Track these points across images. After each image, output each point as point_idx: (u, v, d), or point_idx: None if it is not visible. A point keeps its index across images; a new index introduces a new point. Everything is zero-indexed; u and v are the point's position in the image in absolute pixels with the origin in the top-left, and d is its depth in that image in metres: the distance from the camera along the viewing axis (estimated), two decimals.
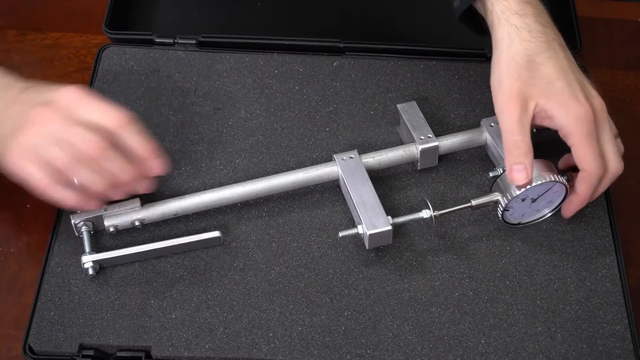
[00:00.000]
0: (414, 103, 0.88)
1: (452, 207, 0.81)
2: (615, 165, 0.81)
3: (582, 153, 0.79)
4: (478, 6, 0.84)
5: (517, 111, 0.78)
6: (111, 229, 0.81)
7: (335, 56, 0.97)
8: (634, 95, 1.01)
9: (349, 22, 1.04)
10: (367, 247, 0.81)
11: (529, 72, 0.78)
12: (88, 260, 0.79)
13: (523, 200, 0.81)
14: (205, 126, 0.91)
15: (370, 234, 0.79)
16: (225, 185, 0.85)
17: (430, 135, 0.85)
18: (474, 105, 0.94)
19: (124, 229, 0.83)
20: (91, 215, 0.81)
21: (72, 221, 0.81)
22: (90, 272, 0.79)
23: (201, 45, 0.97)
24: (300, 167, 0.87)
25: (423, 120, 0.87)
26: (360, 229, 0.80)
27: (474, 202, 0.81)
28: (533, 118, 0.79)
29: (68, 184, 0.75)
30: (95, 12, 1.02)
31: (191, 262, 0.82)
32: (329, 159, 0.88)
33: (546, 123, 0.80)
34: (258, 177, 0.86)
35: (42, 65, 1.00)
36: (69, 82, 0.96)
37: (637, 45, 1.06)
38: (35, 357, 0.77)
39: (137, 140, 0.76)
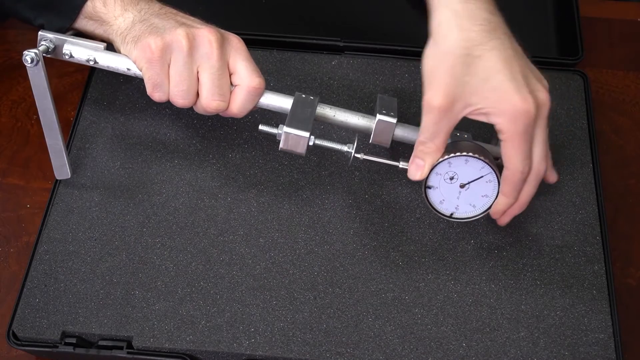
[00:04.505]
0: (395, 99, 0.85)
1: (379, 158, 0.81)
2: (537, 166, 0.77)
3: (510, 151, 0.75)
4: None
5: (439, 112, 0.73)
6: (66, 55, 0.84)
7: (334, 55, 0.97)
8: (634, 95, 1.00)
9: (349, 21, 1.04)
10: (279, 148, 0.81)
11: (464, 68, 0.72)
12: (32, 50, 0.80)
13: (451, 179, 0.78)
14: (201, 121, 0.91)
15: (286, 132, 0.79)
16: (218, 181, 0.85)
17: (393, 114, 0.82)
18: None
19: (77, 62, 0.85)
20: (56, 36, 0.84)
21: (40, 33, 0.84)
22: (29, 60, 0.80)
23: None
24: (292, 163, 0.87)
25: (395, 107, 0.83)
26: (280, 128, 0.80)
27: (401, 164, 0.80)
28: (467, 114, 0.75)
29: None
30: None
31: (177, 255, 0.82)
32: (322, 157, 0.88)
33: (481, 118, 0.75)
34: (250, 172, 0.87)
35: None
36: (69, 82, 0.99)
37: (637, 45, 1.05)
38: (19, 342, 0.77)
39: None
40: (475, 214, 0.81)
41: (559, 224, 0.85)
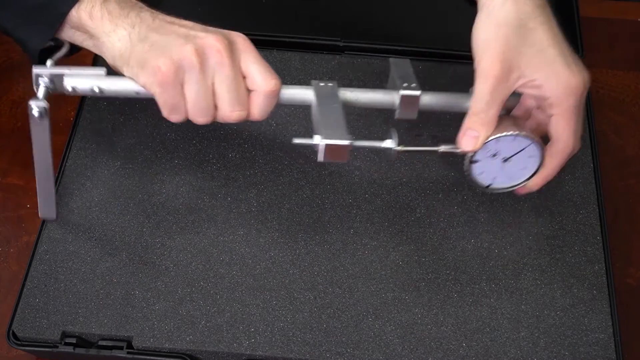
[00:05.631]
0: (408, 60, 0.84)
1: (418, 146, 0.80)
2: (579, 145, 0.79)
3: (563, 125, 0.76)
4: None
5: (495, 80, 0.74)
6: (69, 89, 0.78)
7: (334, 55, 0.97)
8: (634, 95, 1.00)
9: (349, 21, 1.04)
10: (321, 160, 0.76)
11: (519, 39, 0.74)
12: (38, 102, 0.75)
13: (494, 155, 0.78)
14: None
15: (326, 144, 0.75)
16: (218, 181, 0.85)
17: (415, 85, 0.80)
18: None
19: (82, 94, 0.80)
20: (53, 72, 0.77)
21: (34, 71, 0.77)
22: (36, 113, 0.75)
23: None
24: (292, 163, 0.88)
25: (412, 73, 0.82)
26: (316, 139, 0.76)
27: (442, 148, 0.79)
28: (518, 87, 0.76)
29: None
30: None
31: (177, 255, 0.82)
32: None
33: (532, 92, 0.76)
34: (250, 172, 0.87)
35: None
36: None
37: (637, 45, 1.05)
38: (19, 342, 0.77)
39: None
40: (511, 185, 0.81)
41: (559, 224, 0.85)
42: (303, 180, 0.87)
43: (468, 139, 0.76)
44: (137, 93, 0.77)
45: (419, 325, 0.79)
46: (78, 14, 0.76)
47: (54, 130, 0.89)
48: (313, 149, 0.76)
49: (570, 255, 0.83)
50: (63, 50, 0.80)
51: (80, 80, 0.77)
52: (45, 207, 0.83)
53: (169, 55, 0.73)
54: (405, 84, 0.80)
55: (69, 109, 0.96)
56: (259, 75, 0.75)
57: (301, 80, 0.95)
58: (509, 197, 0.86)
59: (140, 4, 0.78)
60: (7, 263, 0.86)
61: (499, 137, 0.76)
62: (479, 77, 0.75)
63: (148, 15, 0.77)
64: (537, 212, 0.86)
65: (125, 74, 0.76)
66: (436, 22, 1.04)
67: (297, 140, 0.76)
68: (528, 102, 0.80)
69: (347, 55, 0.97)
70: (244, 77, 0.76)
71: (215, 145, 0.89)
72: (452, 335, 0.78)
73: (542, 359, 0.77)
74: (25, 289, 0.80)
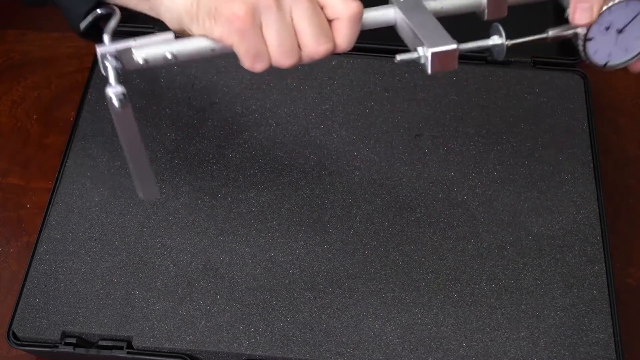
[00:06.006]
0: None
1: (526, 37, 0.73)
2: None
3: None
4: None
5: None
6: (140, 62, 0.71)
7: (334, 54, 0.97)
8: (634, 95, 1.00)
9: None
10: (429, 72, 0.70)
11: None
12: (116, 90, 0.69)
13: (607, 29, 0.73)
14: (200, 120, 0.91)
15: (433, 53, 0.68)
16: (217, 181, 0.85)
17: None
18: (472, 108, 0.93)
19: (155, 66, 0.72)
20: (120, 47, 0.70)
21: (98, 53, 0.70)
22: (116, 103, 0.69)
23: None
24: (292, 163, 0.88)
25: None
26: (420, 52, 0.68)
27: (550, 32, 0.73)
28: None
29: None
30: None
31: (177, 255, 0.82)
32: (322, 157, 0.89)
33: None
34: (250, 172, 0.87)
35: (42, 65, 1.01)
36: (69, 82, 0.99)
37: None
38: (19, 342, 0.77)
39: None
40: (628, 58, 0.76)
41: (559, 224, 0.85)
42: (303, 180, 0.87)
43: (582, 12, 0.71)
44: (213, 50, 0.70)
45: (419, 325, 0.79)
46: None
47: (54, 130, 0.90)
48: (418, 62, 0.69)
49: (570, 255, 0.83)
50: (115, 19, 0.73)
51: (151, 49, 0.70)
52: (147, 188, 0.76)
53: (242, 2, 0.67)
54: None
55: (69, 109, 0.96)
56: (338, 1, 0.69)
57: (301, 80, 0.95)
58: (509, 197, 0.87)
59: None
60: (7, 263, 0.86)
61: (612, 5, 0.71)
62: None
63: None
64: (537, 212, 0.86)
65: (195, 32, 0.70)
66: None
67: (400, 57, 0.70)
68: None
69: (346, 55, 0.97)
70: (322, 7, 0.69)
71: (215, 145, 0.89)
72: (452, 335, 0.78)
73: (542, 359, 0.77)
74: (25, 289, 0.80)
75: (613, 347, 0.78)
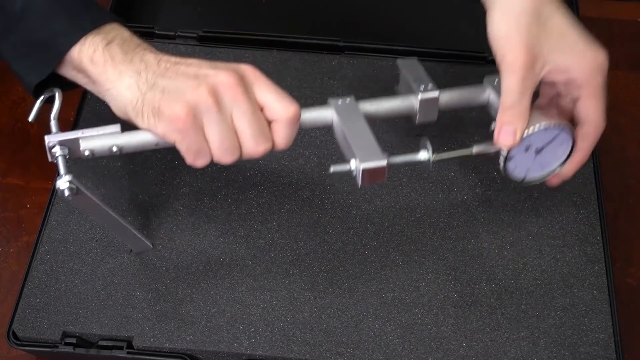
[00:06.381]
0: (415, 59, 0.83)
1: (451, 152, 0.78)
2: (605, 124, 0.78)
3: (594, 105, 0.76)
4: None
5: (523, 71, 0.73)
6: (87, 153, 0.74)
7: (334, 55, 0.97)
8: (634, 95, 1.00)
9: (349, 21, 1.04)
10: (359, 185, 0.74)
11: (539, 27, 0.73)
12: (64, 181, 0.72)
13: (527, 149, 0.78)
14: None
15: (363, 168, 0.73)
16: (218, 182, 0.85)
17: (431, 85, 0.79)
18: (472, 108, 0.93)
19: (100, 156, 0.75)
20: (67, 137, 0.73)
21: (46, 142, 0.73)
22: (67, 193, 0.73)
23: (201, 39, 0.98)
24: (292, 164, 0.88)
25: (424, 74, 0.80)
26: (352, 164, 0.73)
27: (475, 149, 0.77)
28: (545, 74, 0.75)
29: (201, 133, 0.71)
30: (99, 2, 1.03)
31: (177, 256, 0.82)
32: (322, 157, 0.88)
33: (559, 77, 0.76)
34: (249, 173, 0.87)
35: None
36: None
37: (637, 45, 1.05)
38: (19, 342, 0.77)
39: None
40: (545, 174, 0.81)
41: (559, 224, 0.85)
42: (303, 181, 0.87)
43: (506, 135, 0.75)
44: (157, 144, 0.74)
45: (419, 325, 0.79)
46: (79, 56, 0.73)
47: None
48: (350, 174, 0.74)
49: (570, 255, 0.83)
50: (58, 102, 0.76)
51: (97, 142, 0.73)
52: (135, 244, 0.82)
53: (183, 100, 0.70)
54: (422, 86, 0.79)
55: (69, 109, 0.96)
56: (277, 104, 0.72)
57: (301, 80, 0.95)
58: (509, 197, 0.87)
59: (143, 44, 0.74)
60: (7, 263, 0.86)
61: (532, 130, 0.75)
62: (506, 70, 0.74)
63: (152, 58, 0.73)
64: (537, 212, 0.86)
65: (140, 125, 0.72)
66: (436, 21, 1.04)
67: (333, 169, 0.74)
68: (550, 91, 0.79)
69: (347, 55, 0.97)
70: (262, 108, 0.72)
71: None
72: (452, 335, 0.78)
73: (542, 359, 0.77)
74: (25, 289, 0.80)
75: (613, 347, 0.78)
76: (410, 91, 0.79)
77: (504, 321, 0.79)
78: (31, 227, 0.88)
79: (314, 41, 0.98)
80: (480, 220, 0.85)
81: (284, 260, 0.82)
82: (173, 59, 0.73)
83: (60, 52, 0.73)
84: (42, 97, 0.77)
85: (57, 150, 0.74)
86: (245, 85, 0.71)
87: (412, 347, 0.78)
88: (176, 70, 0.72)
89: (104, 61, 0.72)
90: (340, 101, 0.77)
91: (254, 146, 0.72)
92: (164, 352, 0.77)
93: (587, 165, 0.88)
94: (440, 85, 0.95)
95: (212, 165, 0.87)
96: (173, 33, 0.98)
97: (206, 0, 1.05)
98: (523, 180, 0.81)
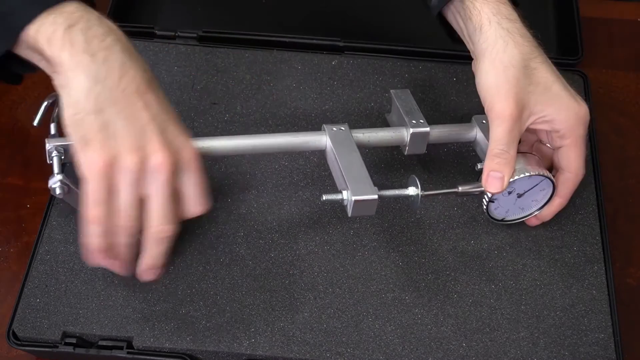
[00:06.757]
0: (408, 91, 0.86)
1: (438, 189, 0.81)
2: (584, 171, 0.82)
3: (575, 154, 0.80)
4: (453, 11, 0.82)
5: (511, 121, 0.76)
6: None
7: (334, 55, 0.97)
8: (634, 95, 1.00)
9: (349, 21, 1.04)
10: (350, 215, 0.76)
11: (526, 79, 0.77)
12: (55, 180, 0.74)
13: (509, 193, 0.80)
14: (200, 120, 0.91)
15: (355, 200, 0.75)
16: (217, 182, 0.85)
17: (422, 121, 0.82)
18: (471, 109, 0.93)
19: None
20: (65, 142, 0.75)
21: (46, 146, 0.75)
22: (58, 191, 0.74)
23: (201, 39, 0.98)
24: (292, 164, 0.88)
25: (416, 107, 0.84)
26: (344, 195, 0.75)
27: (460, 189, 0.79)
28: (530, 124, 0.78)
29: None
30: (98, 3, 1.02)
31: (177, 256, 0.82)
32: (322, 157, 0.88)
33: (543, 127, 0.79)
34: (249, 173, 0.87)
35: None
36: None
37: (637, 45, 1.05)
38: (19, 342, 0.77)
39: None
40: (523, 216, 0.84)
41: (558, 224, 0.85)
42: (303, 181, 0.87)
43: (493, 181, 0.78)
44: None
45: (419, 325, 0.79)
46: (35, 35, 0.67)
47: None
48: (341, 204, 0.76)
49: (570, 255, 0.83)
50: (58, 109, 0.76)
51: None
52: None
53: (112, 153, 0.67)
54: (413, 121, 0.82)
55: None
56: (191, 200, 0.73)
57: (301, 80, 0.95)
58: None
59: (112, 34, 0.69)
60: (7, 263, 0.86)
61: (517, 177, 0.78)
62: (494, 119, 0.77)
63: (117, 66, 0.68)
64: None
65: (66, 134, 0.70)
66: (436, 22, 1.04)
67: (325, 197, 0.76)
68: (532, 137, 0.83)
69: (347, 55, 0.97)
70: (178, 192, 0.72)
71: None
72: (452, 335, 0.78)
73: (542, 359, 0.77)
74: (25, 289, 0.80)
75: (613, 347, 0.78)
76: (402, 123, 0.83)
77: (503, 321, 0.79)
78: (31, 227, 0.88)
79: (314, 41, 0.98)
80: (480, 222, 0.85)
81: (284, 261, 0.82)
82: (138, 79, 0.69)
83: (15, 28, 0.67)
84: (46, 103, 0.79)
85: (54, 153, 0.76)
86: (174, 172, 0.70)
87: (412, 347, 0.78)
88: (131, 104, 0.68)
89: (62, 45, 0.66)
90: (334, 128, 0.81)
91: (154, 225, 0.71)
92: (164, 352, 0.77)
93: (587, 165, 0.88)
94: (440, 85, 0.96)
95: (212, 165, 0.88)
96: (173, 33, 0.98)
97: (206, 0, 1.05)
98: (502, 219, 0.84)
